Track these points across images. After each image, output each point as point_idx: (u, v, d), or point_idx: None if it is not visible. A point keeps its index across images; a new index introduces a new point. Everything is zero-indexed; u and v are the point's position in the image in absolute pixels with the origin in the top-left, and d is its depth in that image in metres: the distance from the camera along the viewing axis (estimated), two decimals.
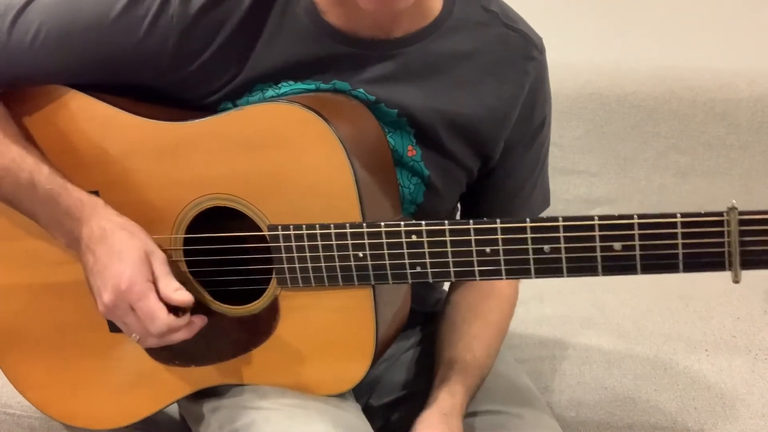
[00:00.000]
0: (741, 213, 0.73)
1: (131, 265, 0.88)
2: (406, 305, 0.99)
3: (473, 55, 0.97)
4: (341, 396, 0.96)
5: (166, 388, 1.01)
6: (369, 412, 1.09)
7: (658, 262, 0.77)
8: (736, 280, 0.75)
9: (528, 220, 0.80)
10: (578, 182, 1.68)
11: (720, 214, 0.74)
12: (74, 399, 1.06)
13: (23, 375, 1.08)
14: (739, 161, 1.61)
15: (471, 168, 1.01)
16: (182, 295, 0.88)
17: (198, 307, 0.94)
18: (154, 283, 0.89)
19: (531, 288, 1.52)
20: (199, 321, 0.92)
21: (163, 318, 0.87)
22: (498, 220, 0.81)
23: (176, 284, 0.89)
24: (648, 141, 1.65)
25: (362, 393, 1.10)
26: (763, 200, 1.61)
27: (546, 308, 1.46)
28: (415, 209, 1.01)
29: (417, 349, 1.13)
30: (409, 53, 0.95)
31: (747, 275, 1.63)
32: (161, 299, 0.88)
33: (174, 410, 1.15)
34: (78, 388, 1.05)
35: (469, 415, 1.00)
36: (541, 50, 1.02)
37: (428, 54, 0.95)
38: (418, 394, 1.04)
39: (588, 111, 1.65)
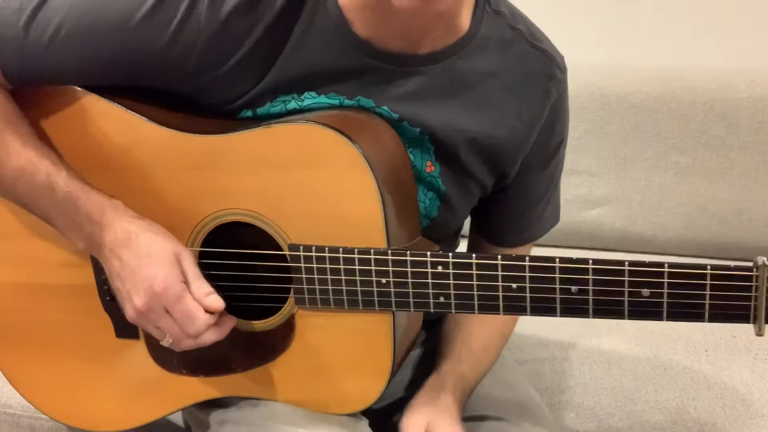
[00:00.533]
0: None
1: (164, 267, 0.87)
2: (419, 323, 1.00)
3: (497, 74, 0.95)
4: (356, 415, 0.96)
5: (170, 396, 1.00)
6: (369, 414, 1.09)
7: (684, 311, 0.78)
8: (760, 334, 0.77)
9: (557, 259, 0.80)
10: (578, 182, 1.68)
11: (750, 269, 0.76)
12: (74, 400, 1.05)
13: (21, 373, 1.07)
14: (739, 161, 1.61)
15: (486, 184, 1.01)
16: (215, 301, 0.87)
17: None
18: (186, 283, 0.88)
19: None
20: (230, 321, 0.91)
21: (202, 318, 0.86)
22: (527, 257, 0.81)
23: (208, 288, 0.88)
24: (648, 141, 1.64)
25: None
26: (763, 200, 1.61)
27: None
28: (429, 223, 1.00)
29: (418, 352, 1.13)
30: (435, 71, 0.93)
31: None
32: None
33: (176, 415, 1.15)
34: (78, 389, 1.05)
35: (468, 419, 0.99)
36: (563, 70, 1.00)
37: (454, 72, 0.94)
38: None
39: (588, 111, 1.65)
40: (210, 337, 0.89)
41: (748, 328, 1.35)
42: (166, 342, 0.89)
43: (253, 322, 0.94)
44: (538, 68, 0.97)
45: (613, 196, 1.67)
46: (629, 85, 1.64)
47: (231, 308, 0.95)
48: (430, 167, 0.97)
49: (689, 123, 1.62)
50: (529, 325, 1.40)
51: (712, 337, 1.35)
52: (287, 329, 0.92)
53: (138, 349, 0.99)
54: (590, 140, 1.67)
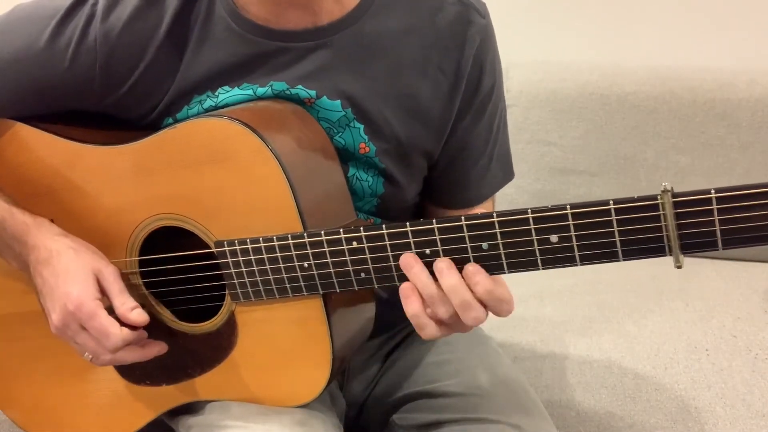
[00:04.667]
0: (675, 195, 0.71)
1: (77, 285, 0.88)
2: (368, 307, 0.97)
3: (411, 31, 0.93)
4: (311, 405, 0.94)
5: (140, 408, 1.01)
6: (367, 414, 1.09)
7: (597, 252, 0.75)
8: (678, 265, 0.73)
9: (463, 218, 0.78)
10: (578, 182, 1.68)
11: (654, 197, 0.72)
12: (59, 423, 1.06)
13: (9, 401, 1.08)
14: (739, 161, 1.61)
15: (429, 150, 0.99)
16: (139, 315, 0.88)
17: (160, 327, 0.95)
18: (108, 299, 0.89)
19: (531, 287, 1.52)
20: (156, 347, 0.92)
21: (116, 333, 0.86)
22: (434, 221, 0.79)
23: (132, 303, 0.89)
24: (648, 141, 1.64)
25: (359, 396, 1.10)
26: None
27: (546, 308, 1.46)
28: (378, 201, 0.99)
29: (415, 350, 1.13)
30: (341, 39, 0.92)
31: (747, 274, 1.62)
32: (116, 317, 0.88)
33: None
34: (61, 412, 1.05)
35: (465, 421, 0.99)
36: (484, 14, 0.97)
37: (363, 37, 0.92)
38: (416, 395, 1.04)
39: (588, 111, 1.65)
40: (130, 355, 0.90)
41: (748, 328, 1.36)
42: (86, 357, 0.90)
43: (197, 324, 0.95)
44: (455, 17, 0.94)
45: (613, 196, 1.66)
46: (629, 85, 1.64)
47: (179, 313, 0.96)
48: (364, 148, 0.95)
49: (689, 123, 1.62)
50: (529, 323, 1.41)
51: (712, 337, 1.35)
52: (230, 327, 0.93)
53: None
54: (590, 140, 1.67)
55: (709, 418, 1.19)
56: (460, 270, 0.79)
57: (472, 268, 0.78)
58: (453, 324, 0.81)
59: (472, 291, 0.78)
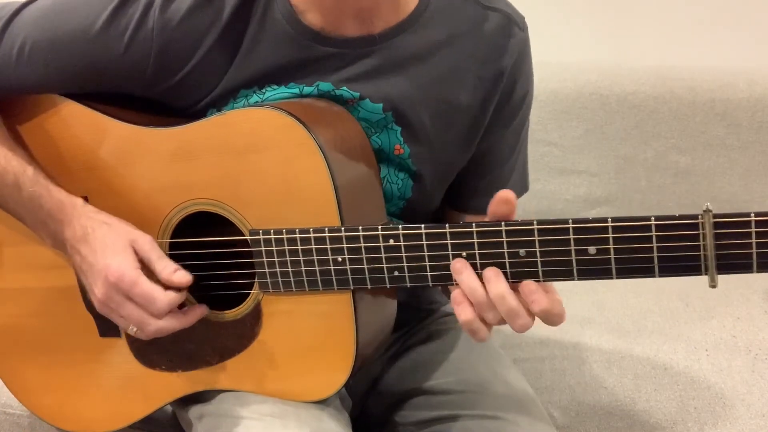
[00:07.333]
0: (715, 216, 0.72)
1: (116, 257, 0.89)
2: (391, 310, 0.98)
3: (453, 40, 0.96)
4: (325, 402, 0.95)
5: (153, 393, 1.01)
6: (368, 411, 1.09)
7: (633, 266, 0.76)
8: (713, 285, 0.74)
9: (503, 223, 0.79)
10: (578, 182, 1.68)
11: (695, 217, 0.73)
12: (66, 403, 1.06)
13: (17, 379, 1.08)
14: (739, 161, 1.61)
15: (459, 156, 1.01)
16: (183, 276, 0.89)
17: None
18: (147, 267, 0.89)
19: None
20: (198, 310, 0.93)
21: (162, 297, 0.87)
22: (474, 224, 0.80)
23: (173, 265, 0.90)
24: (648, 141, 1.64)
25: (361, 394, 1.10)
26: (763, 200, 1.61)
27: None
28: (404, 204, 1.01)
29: (417, 349, 1.13)
30: (389, 47, 0.94)
31: (747, 274, 1.62)
32: (160, 282, 0.88)
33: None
34: (70, 392, 1.05)
35: (464, 417, 0.99)
36: (523, 27, 1.00)
37: (409, 45, 0.95)
38: (417, 392, 1.04)
39: (588, 111, 1.65)
40: (174, 323, 0.90)
41: (748, 328, 1.36)
42: (131, 331, 0.90)
43: (222, 312, 0.95)
44: (495, 28, 0.97)
45: (613, 196, 1.67)
46: (629, 85, 1.64)
47: (203, 299, 0.96)
48: (399, 150, 0.97)
49: (689, 123, 1.62)
50: None
51: (712, 337, 1.35)
52: (255, 317, 0.93)
53: (121, 347, 1.00)
54: (590, 140, 1.67)
55: (709, 418, 1.19)
56: (516, 285, 0.80)
57: (532, 286, 0.79)
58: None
59: (528, 308, 0.79)
